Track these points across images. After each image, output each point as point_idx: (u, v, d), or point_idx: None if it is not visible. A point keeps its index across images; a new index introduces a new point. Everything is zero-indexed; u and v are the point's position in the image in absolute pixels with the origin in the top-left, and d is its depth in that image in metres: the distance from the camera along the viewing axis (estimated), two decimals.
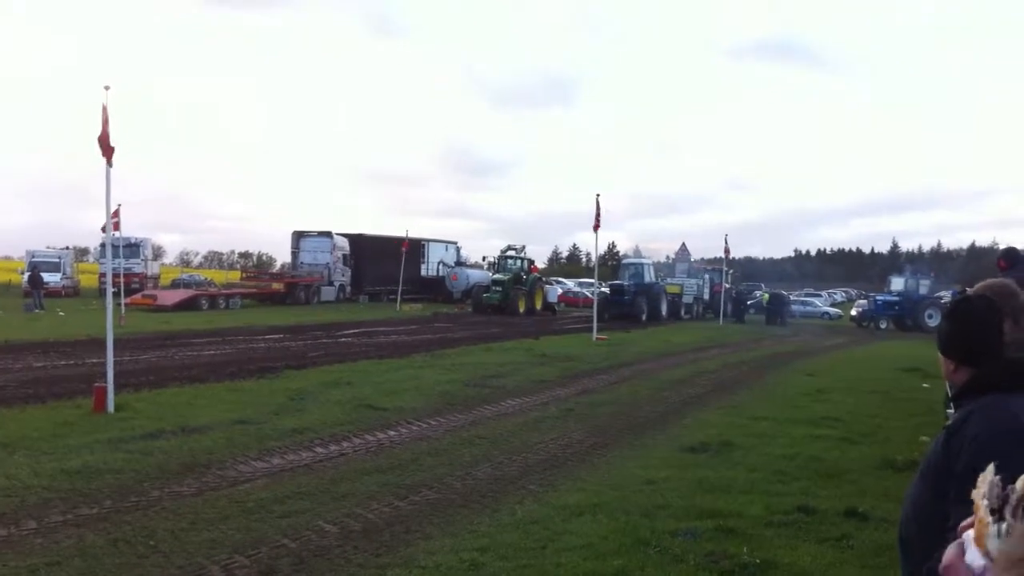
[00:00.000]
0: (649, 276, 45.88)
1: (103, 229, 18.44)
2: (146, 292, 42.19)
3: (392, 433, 11.49)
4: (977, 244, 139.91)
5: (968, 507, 2.41)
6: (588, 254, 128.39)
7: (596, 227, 29.82)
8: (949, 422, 2.69)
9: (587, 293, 55.05)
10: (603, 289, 44.50)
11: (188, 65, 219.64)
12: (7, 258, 76.00)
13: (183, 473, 8.89)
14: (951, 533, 2.44)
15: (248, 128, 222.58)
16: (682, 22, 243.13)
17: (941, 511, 2.57)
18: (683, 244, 56.25)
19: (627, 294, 43.36)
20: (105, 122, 12.04)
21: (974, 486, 2.43)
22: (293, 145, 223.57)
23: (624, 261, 52.41)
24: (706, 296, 51.61)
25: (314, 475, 9.04)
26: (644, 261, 48.36)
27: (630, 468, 9.77)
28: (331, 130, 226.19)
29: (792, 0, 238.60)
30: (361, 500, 8.14)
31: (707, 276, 52.70)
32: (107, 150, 12.14)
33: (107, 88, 12.17)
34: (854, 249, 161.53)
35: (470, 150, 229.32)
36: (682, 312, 48.20)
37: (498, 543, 6.85)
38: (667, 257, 59.84)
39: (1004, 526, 1.16)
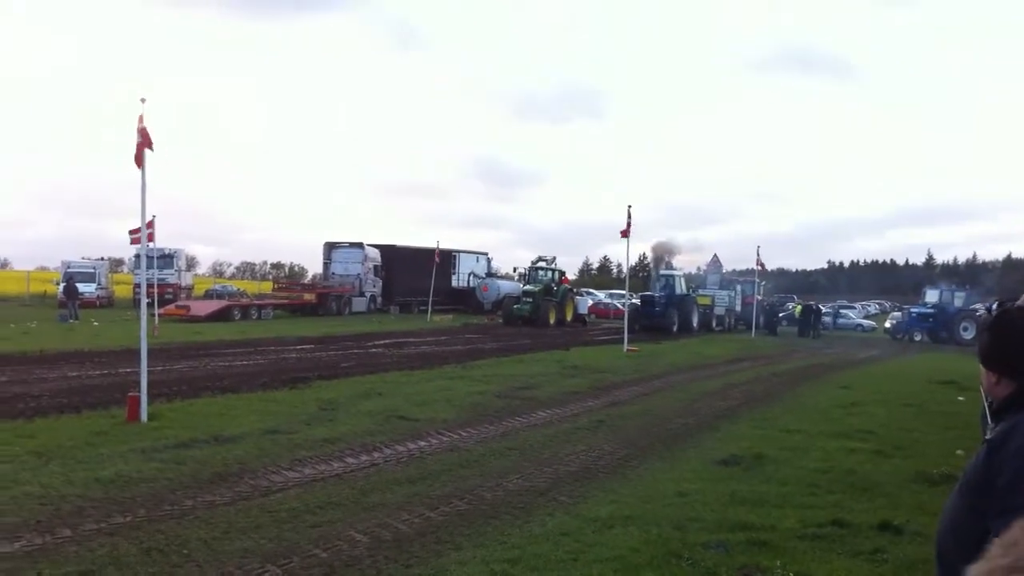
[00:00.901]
0: (680, 287, 45.69)
1: (136, 240, 18.61)
2: (179, 303, 42.56)
3: (423, 444, 11.50)
4: (1013, 255, 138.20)
5: (1009, 521, 2.37)
6: (619, 265, 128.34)
7: (625, 234, 29.75)
8: (990, 435, 2.65)
9: (618, 304, 54.91)
10: (634, 300, 44.38)
11: (223, 74, 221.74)
12: (43, 269, 76.82)
13: (216, 482, 8.94)
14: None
15: (283, 139, 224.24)
16: (711, 32, 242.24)
17: (980, 526, 2.53)
18: (715, 255, 56.02)
19: (658, 305, 43.23)
20: (144, 134, 12.18)
21: (1016, 500, 2.40)
22: (326, 156, 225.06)
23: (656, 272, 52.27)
24: (738, 308, 51.33)
25: (345, 485, 9.06)
26: (675, 272, 48.15)
27: (661, 481, 9.72)
28: (363, 141, 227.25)
29: (822, 9, 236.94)
30: (392, 510, 8.15)
31: (739, 288, 52.42)
32: (139, 160, 12.29)
33: (143, 100, 12.28)
34: (888, 260, 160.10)
35: (501, 161, 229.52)
36: (713, 324, 48.02)
37: (529, 555, 6.83)
38: (699, 268, 59.58)
39: None
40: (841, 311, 64.00)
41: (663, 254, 51.35)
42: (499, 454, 11.01)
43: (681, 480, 9.69)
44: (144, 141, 12.23)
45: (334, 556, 6.75)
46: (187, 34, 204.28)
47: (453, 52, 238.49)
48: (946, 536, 2.75)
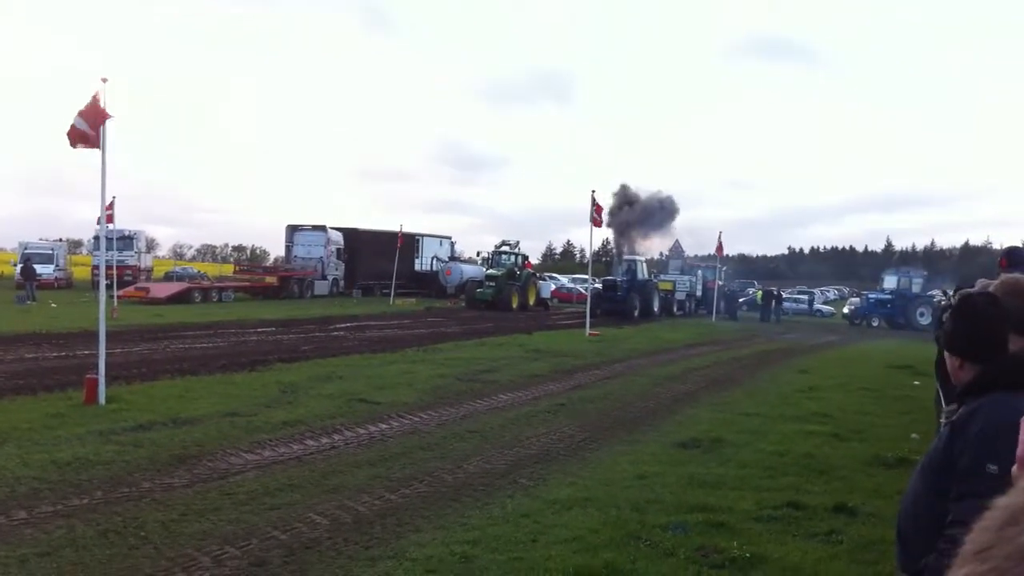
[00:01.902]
0: (642, 273, 45.86)
1: (98, 221, 18.35)
2: (139, 285, 42.06)
3: (383, 426, 11.49)
4: (971, 243, 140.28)
5: (968, 506, 2.42)
6: (582, 250, 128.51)
7: (596, 224, 29.88)
8: (954, 418, 2.70)
9: (580, 289, 54.99)
10: (596, 285, 44.47)
11: (182, 58, 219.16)
12: (0, 249, 75.73)
13: (174, 465, 8.88)
14: (949, 530, 2.46)
15: (242, 122, 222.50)
16: (678, 19, 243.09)
17: (940, 507, 2.57)
18: (676, 241, 56.10)
19: (620, 290, 43.34)
20: (90, 114, 11.92)
21: (976, 483, 2.45)
22: (287, 140, 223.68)
23: (618, 257, 52.40)
24: (699, 293, 51.64)
25: (305, 468, 9.04)
26: (637, 258, 48.30)
27: (621, 463, 9.78)
28: (325, 125, 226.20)
29: None
30: (352, 493, 8.15)
31: (700, 273, 52.69)
32: (97, 140, 12.03)
33: (104, 80, 12.09)
34: (847, 247, 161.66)
35: (465, 145, 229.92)
36: (675, 309, 48.26)
37: (489, 536, 6.86)
38: (660, 254, 59.78)
39: None
40: (796, 296, 64.66)
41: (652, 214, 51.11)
42: (460, 437, 11.02)
43: (640, 463, 9.76)
44: (97, 120, 11.96)
45: (294, 538, 6.74)
46: (150, 16, 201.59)
47: (421, 35, 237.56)
48: (907, 517, 2.80)
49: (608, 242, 53.80)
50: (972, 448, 2.52)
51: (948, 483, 2.57)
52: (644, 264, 47.67)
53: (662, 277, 50.06)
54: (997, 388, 2.61)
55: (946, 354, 2.87)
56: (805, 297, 62.92)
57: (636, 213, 51.01)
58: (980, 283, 4.43)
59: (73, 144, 11.93)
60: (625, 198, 51.27)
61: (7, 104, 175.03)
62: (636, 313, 42.24)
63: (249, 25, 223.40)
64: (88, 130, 11.90)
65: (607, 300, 42.55)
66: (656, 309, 45.11)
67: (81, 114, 11.85)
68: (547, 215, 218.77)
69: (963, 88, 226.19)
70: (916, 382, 18.15)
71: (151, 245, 68.19)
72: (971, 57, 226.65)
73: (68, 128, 11.85)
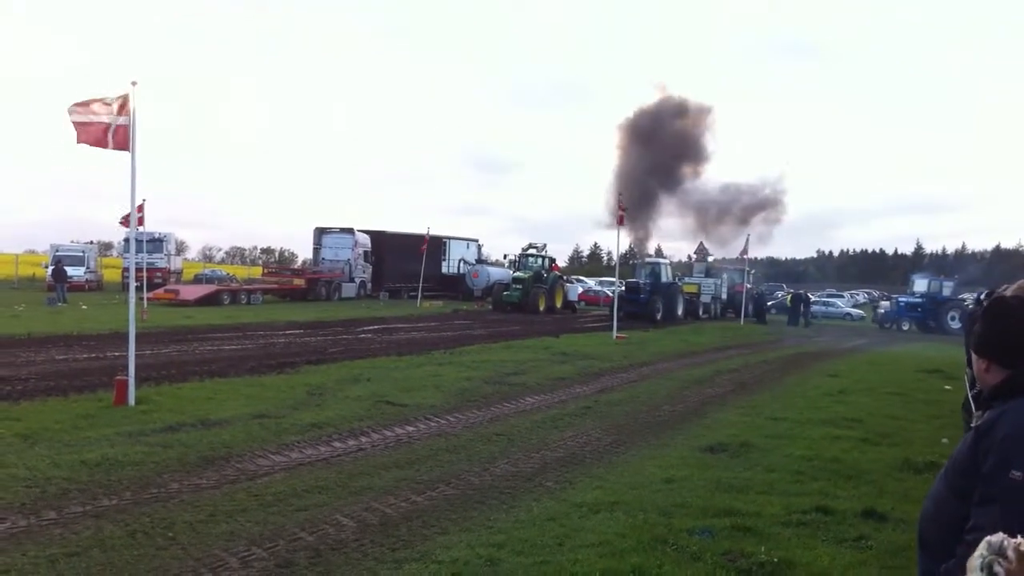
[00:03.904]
0: (666, 275, 45.53)
1: (125, 223, 18.44)
2: (168, 287, 42.37)
3: (410, 429, 11.51)
4: (1002, 246, 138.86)
5: (988, 510, 2.38)
6: (609, 252, 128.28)
7: (621, 222, 30.01)
8: (979, 422, 2.65)
9: (607, 292, 54.85)
10: (622, 288, 44.30)
11: (214, 62, 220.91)
12: (31, 252, 76.55)
13: (202, 466, 8.93)
14: (970, 534, 2.42)
15: (274, 126, 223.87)
16: (707, 20, 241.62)
17: (962, 511, 2.53)
18: (701, 243, 55.93)
19: (643, 293, 43.06)
20: (125, 113, 11.98)
21: (1000, 486, 2.41)
22: (315, 142, 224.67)
23: (641, 260, 52.27)
24: (724, 296, 51.39)
25: (332, 469, 9.07)
26: (661, 260, 48.08)
27: (648, 467, 9.74)
28: (353, 127, 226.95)
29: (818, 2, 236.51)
30: (378, 495, 8.16)
31: (725, 276, 52.41)
32: (127, 143, 12.07)
33: (134, 84, 12.16)
34: (877, 250, 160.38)
35: (492, 148, 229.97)
36: (700, 312, 47.99)
37: (515, 539, 6.85)
38: (688, 256, 59.56)
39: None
40: (826, 300, 64.23)
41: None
42: (487, 439, 11.02)
43: (667, 467, 9.72)
44: (124, 126, 11.99)
45: (320, 540, 6.76)
46: (168, 20, 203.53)
47: (446, 38, 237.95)
48: (929, 520, 2.76)
49: (633, 245, 53.57)
50: (997, 452, 2.48)
51: (971, 487, 2.53)
52: (668, 267, 47.40)
53: (686, 280, 49.84)
54: None
55: (973, 356, 2.82)
56: (840, 301, 62.57)
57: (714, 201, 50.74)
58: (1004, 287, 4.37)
59: (99, 144, 11.94)
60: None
61: (9, 105, 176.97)
62: (659, 316, 41.96)
63: (275, 29, 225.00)
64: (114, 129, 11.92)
65: (629, 302, 42.16)
66: (680, 312, 44.83)
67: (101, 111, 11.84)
68: (574, 217, 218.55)
69: (996, 88, 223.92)
70: (947, 387, 17.98)
71: (180, 247, 68.53)
72: (1018, 57, 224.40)
73: (90, 128, 11.85)
